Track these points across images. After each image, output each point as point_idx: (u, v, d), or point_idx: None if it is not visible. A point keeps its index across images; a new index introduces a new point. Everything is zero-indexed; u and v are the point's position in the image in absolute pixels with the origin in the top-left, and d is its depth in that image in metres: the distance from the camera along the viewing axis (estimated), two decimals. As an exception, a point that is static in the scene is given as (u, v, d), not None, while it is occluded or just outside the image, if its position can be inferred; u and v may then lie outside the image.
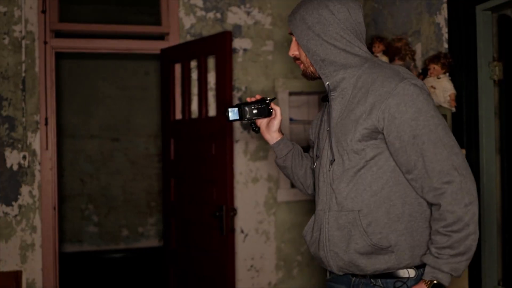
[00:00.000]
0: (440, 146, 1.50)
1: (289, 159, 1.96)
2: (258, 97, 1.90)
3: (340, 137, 1.63)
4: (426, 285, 1.51)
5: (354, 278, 1.67)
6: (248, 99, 1.91)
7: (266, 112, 1.87)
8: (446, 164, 1.49)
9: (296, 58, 1.78)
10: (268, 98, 1.88)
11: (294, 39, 1.76)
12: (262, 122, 1.92)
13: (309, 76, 1.77)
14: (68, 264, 6.24)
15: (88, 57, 6.43)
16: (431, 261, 1.51)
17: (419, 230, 1.59)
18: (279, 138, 1.94)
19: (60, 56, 6.21)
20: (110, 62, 6.61)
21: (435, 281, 1.50)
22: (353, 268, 1.63)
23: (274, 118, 1.90)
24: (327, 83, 1.69)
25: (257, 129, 1.95)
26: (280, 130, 1.95)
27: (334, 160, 1.65)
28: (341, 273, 1.68)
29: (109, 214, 6.64)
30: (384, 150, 1.59)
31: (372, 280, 1.62)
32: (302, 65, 1.77)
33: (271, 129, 1.91)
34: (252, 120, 1.90)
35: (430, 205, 1.59)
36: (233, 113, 1.86)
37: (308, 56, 1.70)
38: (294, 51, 1.77)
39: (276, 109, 1.89)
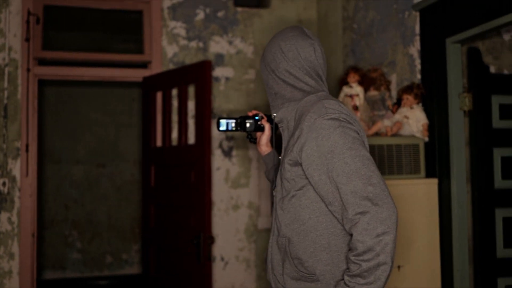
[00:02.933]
0: (355, 178, 1.53)
1: (272, 173, 2.07)
2: (254, 112, 2.05)
3: (281, 167, 1.74)
4: None
5: None
6: (248, 113, 2.06)
7: (255, 127, 2.02)
8: (360, 195, 1.52)
9: None
10: (260, 115, 2.03)
11: None
12: (258, 136, 2.09)
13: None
14: (50, 291, 6.19)
15: (75, 84, 6.47)
16: None
17: (345, 260, 1.63)
18: (267, 152, 2.07)
19: (47, 83, 6.26)
20: (97, 89, 6.66)
21: None
22: None
23: (263, 133, 2.04)
24: (274, 114, 1.81)
25: (253, 140, 2.12)
26: (271, 145, 2.07)
27: (275, 186, 1.78)
28: None
29: (93, 240, 6.60)
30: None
31: None
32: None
33: (260, 143, 2.06)
34: (248, 133, 2.07)
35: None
36: (225, 124, 2.03)
37: (266, 89, 1.83)
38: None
39: (266, 125, 2.01)
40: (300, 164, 1.63)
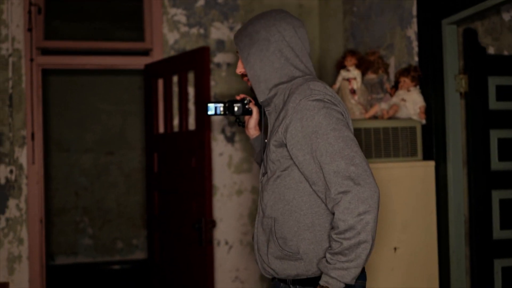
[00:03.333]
0: (338, 158, 1.55)
1: (260, 156, 2.09)
2: (242, 96, 2.05)
3: (266, 148, 1.77)
4: None
5: (282, 284, 1.77)
6: (236, 97, 2.06)
7: (243, 111, 2.03)
8: (342, 175, 1.54)
9: (243, 75, 1.86)
10: (247, 98, 2.04)
11: (239, 57, 1.83)
12: (246, 119, 2.09)
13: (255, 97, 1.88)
14: (62, 276, 6.32)
15: (82, 73, 6.54)
16: (323, 266, 1.59)
17: (328, 239, 1.65)
18: (255, 135, 2.09)
19: (54, 73, 6.34)
20: (103, 78, 6.72)
21: (327, 287, 1.55)
22: (272, 272, 1.74)
23: (251, 117, 2.05)
24: (261, 100, 1.79)
25: (242, 124, 2.12)
26: (258, 128, 2.09)
27: (266, 172, 1.78)
28: (268, 276, 1.78)
29: (103, 226, 6.72)
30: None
31: (291, 286, 1.72)
32: (249, 82, 1.84)
33: (248, 126, 2.07)
34: (236, 116, 2.08)
35: None
36: (213, 109, 2.04)
37: (246, 70, 1.78)
38: (241, 68, 1.85)
39: (253, 109, 2.03)
40: (285, 145, 1.66)
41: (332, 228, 1.58)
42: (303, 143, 1.60)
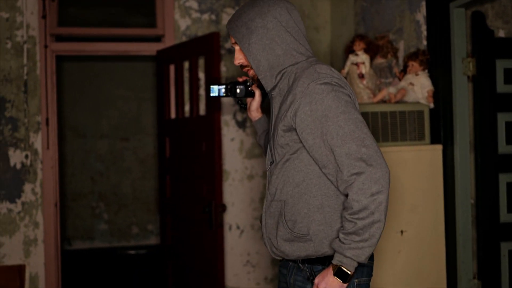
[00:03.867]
0: (349, 140, 1.57)
1: (262, 138, 2.12)
2: (244, 78, 2.04)
3: (274, 133, 1.76)
4: (333, 271, 1.60)
5: (290, 263, 1.80)
6: (238, 78, 2.05)
7: (245, 93, 2.03)
8: (354, 156, 1.56)
9: (243, 66, 1.84)
10: (250, 80, 2.02)
11: (237, 47, 1.82)
12: (248, 101, 2.09)
13: (257, 81, 1.86)
14: (79, 260, 6.45)
15: (97, 60, 6.62)
16: (337, 246, 1.60)
17: (338, 220, 1.68)
18: (257, 118, 2.10)
19: (70, 59, 6.42)
20: (119, 64, 6.79)
21: (340, 266, 1.59)
22: (282, 254, 1.76)
23: (253, 99, 2.05)
24: (269, 88, 1.78)
25: (244, 106, 2.13)
26: (261, 110, 2.09)
27: (273, 158, 1.78)
28: (278, 258, 1.81)
29: (119, 211, 6.82)
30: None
31: (300, 265, 1.76)
32: (251, 71, 1.83)
33: (251, 109, 2.08)
34: (238, 98, 2.08)
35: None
36: (215, 90, 2.04)
37: (250, 61, 1.76)
38: (239, 59, 1.82)
39: (256, 91, 2.03)
40: (294, 129, 1.66)
41: (345, 208, 1.60)
42: (313, 127, 1.61)
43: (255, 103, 2.06)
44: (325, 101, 1.60)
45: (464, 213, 2.83)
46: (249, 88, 2.03)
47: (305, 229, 1.69)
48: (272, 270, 4.35)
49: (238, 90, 2.03)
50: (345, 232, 1.58)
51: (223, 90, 2.04)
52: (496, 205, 2.81)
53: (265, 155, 2.09)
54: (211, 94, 2.05)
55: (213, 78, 3.45)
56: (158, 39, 4.31)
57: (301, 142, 1.67)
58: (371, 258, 1.75)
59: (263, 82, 1.78)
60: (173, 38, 4.21)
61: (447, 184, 2.88)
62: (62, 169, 6.23)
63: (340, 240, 1.59)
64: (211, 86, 2.04)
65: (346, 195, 1.61)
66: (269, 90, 1.78)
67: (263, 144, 2.14)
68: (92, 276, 5.99)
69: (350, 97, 1.66)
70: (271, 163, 1.80)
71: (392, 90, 3.08)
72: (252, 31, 1.73)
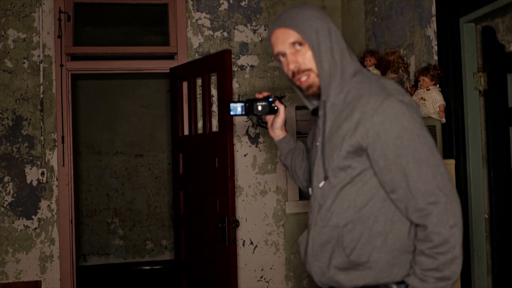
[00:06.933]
0: (425, 166, 1.46)
1: (289, 158, 1.99)
2: (265, 94, 1.92)
3: (328, 153, 1.60)
4: None
5: None
6: (257, 95, 1.93)
7: (269, 110, 1.90)
8: (431, 184, 1.45)
9: (302, 71, 1.64)
10: (273, 96, 1.92)
11: (290, 50, 1.63)
12: (269, 119, 1.96)
13: (310, 90, 1.65)
14: (94, 276, 6.49)
15: (112, 77, 6.71)
16: (418, 284, 1.47)
17: (401, 248, 1.55)
18: (281, 136, 1.98)
19: (85, 77, 6.52)
20: (133, 81, 6.88)
21: None
22: (333, 284, 1.61)
23: (277, 116, 1.93)
24: (323, 98, 1.63)
25: (264, 125, 2.00)
26: (285, 128, 1.97)
27: (327, 177, 1.61)
28: (324, 287, 1.66)
29: (134, 227, 6.86)
30: (370, 166, 1.55)
31: None
32: (310, 78, 1.64)
33: (274, 127, 1.95)
34: (258, 116, 1.94)
35: (415, 225, 1.54)
36: (235, 109, 1.92)
37: (319, 67, 1.61)
38: (295, 63, 1.63)
39: (280, 107, 1.90)
40: (363, 150, 1.53)
41: (421, 241, 1.47)
42: (386, 149, 1.48)
43: (279, 120, 1.93)
44: (401, 121, 1.47)
45: (478, 228, 2.81)
46: (273, 105, 1.90)
47: (365, 256, 1.55)
48: (286, 286, 4.34)
49: (260, 107, 1.89)
50: (423, 268, 1.45)
51: (244, 108, 1.92)
52: (510, 219, 2.79)
53: (296, 175, 1.98)
54: (231, 113, 1.93)
55: (227, 96, 3.48)
56: (171, 56, 4.37)
57: (366, 163, 1.54)
58: None
59: (325, 90, 1.61)
60: (186, 55, 4.27)
61: (461, 199, 2.86)
62: (77, 186, 6.30)
63: (418, 276, 1.46)
64: (231, 104, 1.92)
65: (416, 224, 1.49)
66: (332, 101, 1.61)
67: (289, 164, 2.00)
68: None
69: (421, 118, 1.55)
70: (320, 185, 1.62)
71: (403, 105, 3.08)
72: (318, 31, 1.60)
